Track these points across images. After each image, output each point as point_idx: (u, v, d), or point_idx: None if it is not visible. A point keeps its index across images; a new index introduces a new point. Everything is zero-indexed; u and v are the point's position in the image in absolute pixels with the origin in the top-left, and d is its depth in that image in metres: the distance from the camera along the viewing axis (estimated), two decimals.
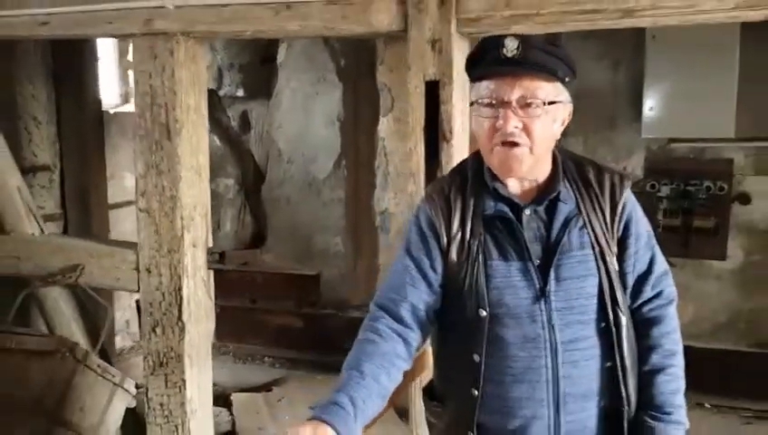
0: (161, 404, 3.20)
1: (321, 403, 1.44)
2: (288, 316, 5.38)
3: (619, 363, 1.58)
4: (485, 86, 1.56)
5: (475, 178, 1.65)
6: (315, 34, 3.26)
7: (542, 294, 1.55)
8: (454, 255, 1.60)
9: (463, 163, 1.78)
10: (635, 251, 1.63)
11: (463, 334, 1.60)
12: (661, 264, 1.69)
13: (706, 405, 4.29)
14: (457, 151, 2.70)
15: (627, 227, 1.63)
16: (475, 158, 1.69)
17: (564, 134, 1.77)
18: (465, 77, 2.78)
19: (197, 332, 3.17)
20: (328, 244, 5.46)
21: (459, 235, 1.60)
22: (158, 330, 3.16)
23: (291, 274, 5.46)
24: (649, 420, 1.60)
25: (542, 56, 1.52)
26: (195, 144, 3.11)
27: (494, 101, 1.53)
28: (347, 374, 1.50)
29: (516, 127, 1.51)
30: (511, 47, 1.51)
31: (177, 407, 3.16)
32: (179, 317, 3.10)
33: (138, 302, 4.18)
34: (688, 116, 4.30)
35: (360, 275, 5.43)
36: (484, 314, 1.55)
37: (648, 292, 1.65)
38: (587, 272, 1.57)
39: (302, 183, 5.50)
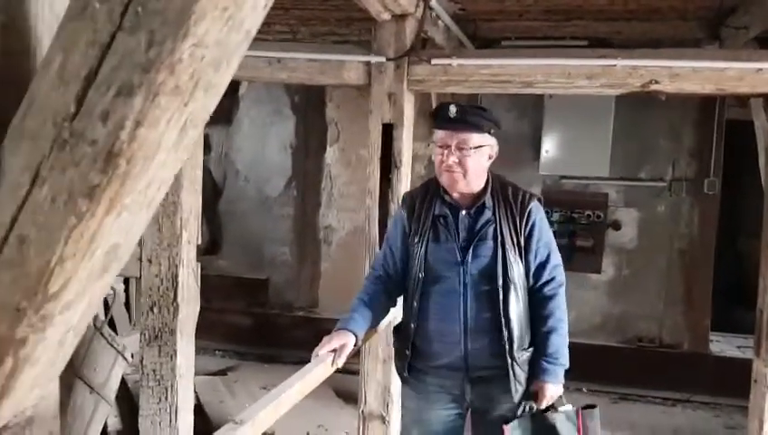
0: (154, 370, 3.88)
1: (344, 317, 2.26)
2: (238, 315, 5.98)
3: (501, 312, 2.28)
4: (438, 134, 2.33)
5: (435, 190, 2.43)
6: (299, 83, 4.06)
7: (461, 264, 2.32)
8: (412, 238, 2.40)
9: (429, 180, 2.51)
10: (536, 246, 2.35)
11: (410, 289, 2.39)
12: (556, 259, 2.36)
13: (584, 389, 5.20)
14: (404, 175, 3.55)
15: (531, 229, 2.35)
16: (435, 178, 2.46)
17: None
18: (412, 121, 3.72)
19: (187, 311, 3.88)
20: (276, 253, 6.12)
21: (416, 226, 2.40)
22: (156, 309, 3.84)
23: (242, 278, 6.09)
24: (545, 364, 2.25)
25: (472, 118, 2.30)
26: (194, 161, 3.86)
27: (442, 144, 2.33)
28: (357, 301, 2.33)
29: (454, 162, 2.30)
30: (453, 112, 2.27)
31: (169, 372, 3.85)
32: (174, 299, 3.82)
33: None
34: (575, 158, 5.27)
35: (304, 280, 6.12)
36: (421, 275, 2.34)
37: (545, 276, 2.35)
38: (490, 253, 2.32)
39: (256, 200, 6.15)
